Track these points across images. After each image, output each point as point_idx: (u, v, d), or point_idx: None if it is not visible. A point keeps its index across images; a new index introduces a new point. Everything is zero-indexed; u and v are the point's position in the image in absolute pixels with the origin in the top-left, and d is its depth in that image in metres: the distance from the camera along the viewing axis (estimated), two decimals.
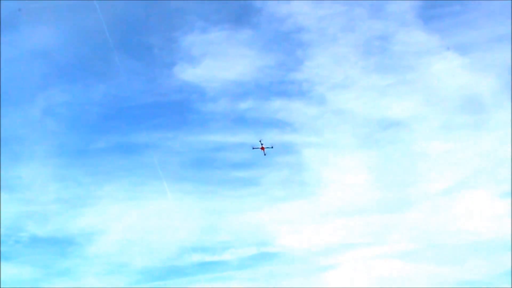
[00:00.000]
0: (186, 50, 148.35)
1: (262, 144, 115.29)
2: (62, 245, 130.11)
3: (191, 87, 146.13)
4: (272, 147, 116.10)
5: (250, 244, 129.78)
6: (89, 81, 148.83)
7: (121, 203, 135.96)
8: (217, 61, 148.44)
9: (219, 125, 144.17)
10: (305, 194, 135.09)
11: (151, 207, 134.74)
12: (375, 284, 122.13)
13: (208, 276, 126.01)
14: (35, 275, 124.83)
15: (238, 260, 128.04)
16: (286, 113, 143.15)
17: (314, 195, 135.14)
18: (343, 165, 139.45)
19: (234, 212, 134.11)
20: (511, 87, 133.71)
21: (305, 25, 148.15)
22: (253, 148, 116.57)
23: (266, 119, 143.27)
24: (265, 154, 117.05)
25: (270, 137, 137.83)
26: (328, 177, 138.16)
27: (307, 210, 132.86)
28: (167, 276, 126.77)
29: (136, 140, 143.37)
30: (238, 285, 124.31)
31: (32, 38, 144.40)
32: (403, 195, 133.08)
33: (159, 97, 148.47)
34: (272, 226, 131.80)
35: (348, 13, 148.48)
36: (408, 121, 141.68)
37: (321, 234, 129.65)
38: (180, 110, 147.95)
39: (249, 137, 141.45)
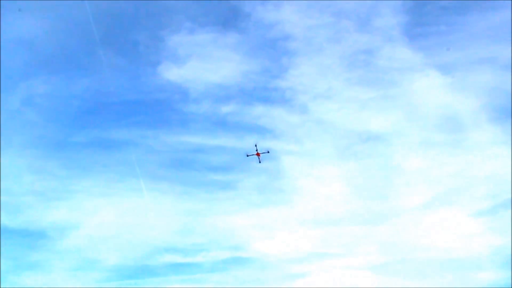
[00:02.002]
0: (172, 50, 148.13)
1: (257, 150, 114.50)
2: (33, 237, 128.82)
3: (175, 87, 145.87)
4: (268, 152, 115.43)
5: (223, 248, 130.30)
6: (71, 74, 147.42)
7: (96, 199, 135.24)
8: (202, 63, 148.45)
9: (200, 127, 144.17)
10: (282, 201, 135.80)
11: (126, 204, 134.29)
12: None
13: (179, 277, 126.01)
14: (3, 267, 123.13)
15: (210, 263, 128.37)
16: (267, 120, 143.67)
17: (290, 202, 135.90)
18: (320, 174, 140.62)
19: (209, 215, 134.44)
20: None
21: (292, 33, 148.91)
22: (247, 156, 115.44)
23: (247, 124, 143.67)
24: (260, 162, 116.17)
25: (251, 142, 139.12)
26: (305, 185, 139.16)
27: (282, 217, 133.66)
28: (139, 275, 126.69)
29: (116, 136, 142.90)
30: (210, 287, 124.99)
31: (16, 26, 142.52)
32: (378, 208, 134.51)
33: (142, 94, 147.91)
34: (246, 231, 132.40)
35: (335, 25, 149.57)
36: (387, 136, 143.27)
37: (295, 242, 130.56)
38: (162, 109, 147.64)
39: (229, 141, 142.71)
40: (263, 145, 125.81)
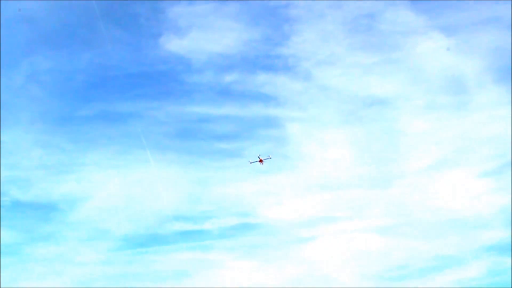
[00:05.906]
0: (172, 21, 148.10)
1: (259, 157, 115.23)
2: (44, 210, 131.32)
3: (177, 58, 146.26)
4: (270, 158, 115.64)
5: (231, 215, 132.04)
6: (74, 49, 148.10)
7: (104, 171, 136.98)
8: (203, 33, 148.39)
9: (204, 97, 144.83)
10: (288, 167, 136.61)
11: (134, 175, 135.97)
12: (353, 256, 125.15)
13: (188, 244, 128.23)
14: (17, 239, 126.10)
15: (219, 230, 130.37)
16: (271, 87, 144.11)
17: (297, 168, 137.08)
18: (326, 140, 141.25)
19: (216, 183, 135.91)
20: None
21: (292, 0, 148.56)
22: (250, 163, 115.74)
23: (251, 92, 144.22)
24: (262, 164, 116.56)
25: (255, 110, 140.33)
26: (310, 151, 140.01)
27: (289, 183, 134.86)
28: (149, 243, 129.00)
29: (121, 109, 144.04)
30: (218, 254, 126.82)
31: (18, 3, 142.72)
32: (384, 172, 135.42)
33: (145, 67, 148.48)
34: (254, 198, 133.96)
35: None
36: (392, 100, 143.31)
37: (302, 207, 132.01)
38: (165, 80, 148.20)
39: (233, 109, 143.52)
40: (267, 111, 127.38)
